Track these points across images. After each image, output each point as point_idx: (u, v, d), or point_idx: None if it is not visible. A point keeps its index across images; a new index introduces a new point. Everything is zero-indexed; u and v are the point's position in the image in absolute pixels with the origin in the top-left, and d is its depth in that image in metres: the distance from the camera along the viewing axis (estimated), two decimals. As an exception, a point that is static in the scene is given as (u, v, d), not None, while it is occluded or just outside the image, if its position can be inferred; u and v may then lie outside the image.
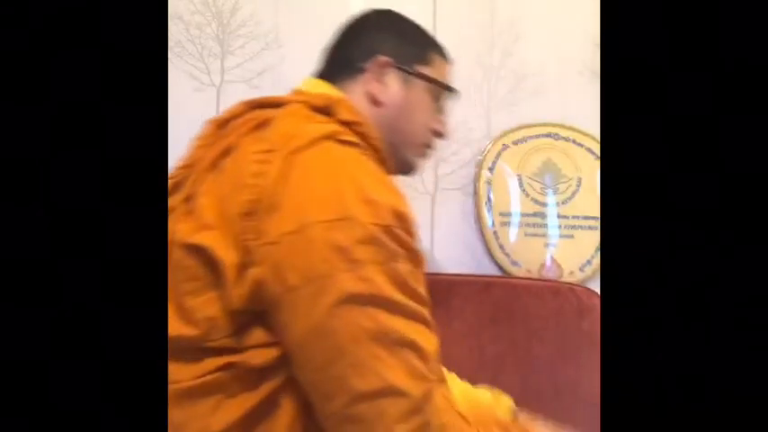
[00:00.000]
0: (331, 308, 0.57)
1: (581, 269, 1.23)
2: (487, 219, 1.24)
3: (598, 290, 1.08)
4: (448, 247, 1.25)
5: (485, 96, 1.26)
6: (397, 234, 0.61)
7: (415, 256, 0.63)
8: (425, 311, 0.63)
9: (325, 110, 0.70)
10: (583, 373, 1.10)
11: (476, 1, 1.25)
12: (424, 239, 1.24)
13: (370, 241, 0.59)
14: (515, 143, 1.25)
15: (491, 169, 1.24)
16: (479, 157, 1.24)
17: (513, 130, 1.25)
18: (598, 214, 1.18)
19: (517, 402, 1.10)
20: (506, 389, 1.10)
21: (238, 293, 0.59)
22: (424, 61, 0.82)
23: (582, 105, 1.24)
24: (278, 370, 0.62)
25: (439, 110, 0.85)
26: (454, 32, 1.24)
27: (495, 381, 1.10)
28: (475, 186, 1.24)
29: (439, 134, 0.86)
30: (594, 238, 1.23)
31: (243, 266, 0.60)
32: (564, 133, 1.26)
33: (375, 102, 0.78)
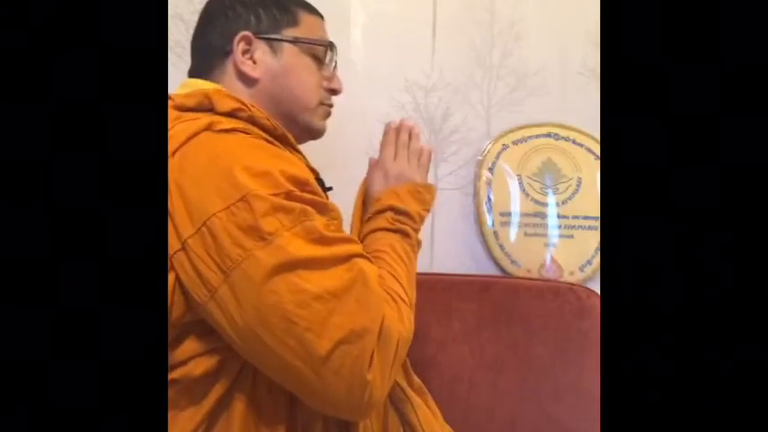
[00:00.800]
0: (261, 287, 0.57)
1: (581, 269, 1.23)
2: (487, 219, 1.23)
3: (598, 290, 1.08)
4: (448, 247, 1.25)
5: (485, 96, 1.26)
6: (300, 196, 0.61)
7: (326, 209, 0.63)
8: (355, 247, 0.63)
9: (201, 107, 0.68)
10: (583, 374, 1.10)
11: (476, 1, 1.25)
12: (424, 239, 1.24)
13: (275, 211, 0.58)
14: (515, 143, 1.25)
15: (491, 169, 1.24)
16: (479, 157, 1.24)
17: (513, 130, 1.25)
18: (598, 214, 1.18)
19: (517, 402, 1.10)
20: (506, 389, 1.10)
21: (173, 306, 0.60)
22: (291, 23, 0.78)
23: (582, 105, 1.24)
24: (220, 376, 0.63)
25: (324, 67, 0.81)
26: (454, 32, 1.24)
27: (495, 381, 1.10)
28: (475, 186, 1.24)
29: (332, 90, 0.83)
30: (594, 238, 1.23)
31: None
32: (564, 133, 1.25)
33: (249, 80, 0.75)
